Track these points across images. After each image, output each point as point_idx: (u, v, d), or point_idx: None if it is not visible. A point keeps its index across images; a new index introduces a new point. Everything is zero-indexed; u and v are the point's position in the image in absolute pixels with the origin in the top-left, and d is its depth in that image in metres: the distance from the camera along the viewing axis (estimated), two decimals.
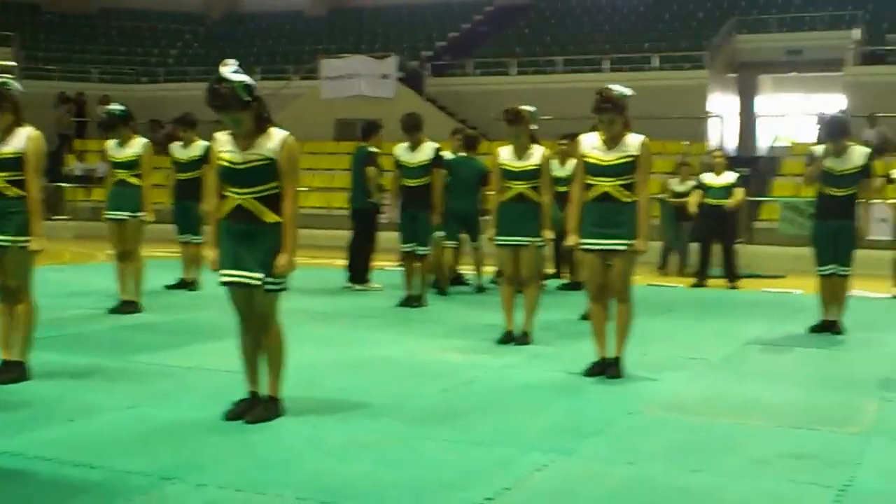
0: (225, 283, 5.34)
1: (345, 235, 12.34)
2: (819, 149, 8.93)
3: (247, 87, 5.10)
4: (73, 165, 25.06)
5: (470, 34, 29.37)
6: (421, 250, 10.31)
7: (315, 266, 14.26)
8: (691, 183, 15.40)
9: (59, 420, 5.32)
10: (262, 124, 5.21)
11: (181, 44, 32.52)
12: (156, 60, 31.42)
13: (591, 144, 6.72)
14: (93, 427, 5.23)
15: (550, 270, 12.67)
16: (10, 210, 6.10)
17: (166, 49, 32.06)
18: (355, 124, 23.23)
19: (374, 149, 11.59)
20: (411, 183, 10.27)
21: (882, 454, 5.03)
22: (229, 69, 5.07)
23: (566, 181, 10.81)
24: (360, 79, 24.61)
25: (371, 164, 11.46)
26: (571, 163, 10.98)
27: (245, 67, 5.25)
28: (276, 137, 5.23)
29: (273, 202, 5.25)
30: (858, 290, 11.57)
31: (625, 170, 6.60)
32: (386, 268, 13.10)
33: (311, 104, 24.69)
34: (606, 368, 6.75)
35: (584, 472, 4.61)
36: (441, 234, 11.06)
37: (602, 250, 6.67)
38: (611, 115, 6.53)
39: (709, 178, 13.16)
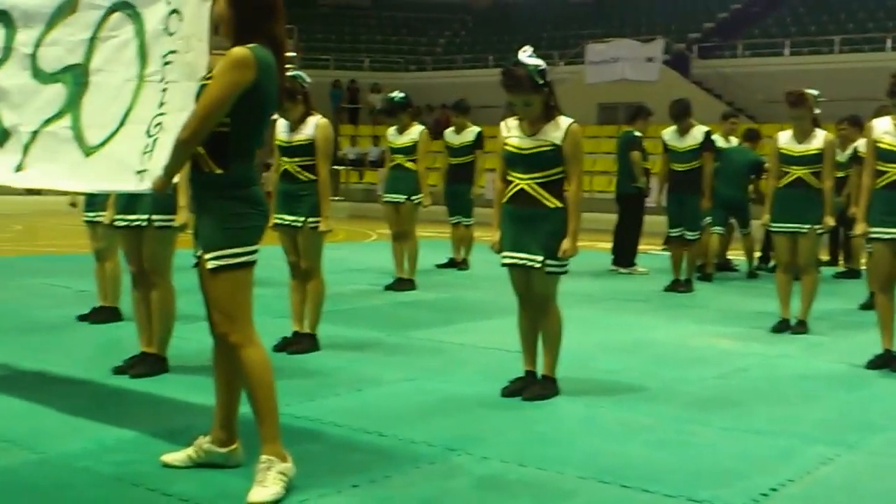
0: (506, 265, 5.48)
1: (606, 218, 12.33)
2: None
3: (541, 71, 5.21)
4: (347, 150, 26.37)
5: (740, 15, 28.50)
6: (689, 235, 10.16)
7: (579, 248, 14.32)
8: None
9: (347, 389, 5.60)
10: (550, 111, 5.29)
11: (449, 32, 33.36)
12: (424, 49, 32.37)
13: (883, 129, 6.38)
14: (377, 397, 5.47)
15: (825, 258, 12.17)
16: (302, 193, 6.50)
17: (434, 38, 32.97)
18: (617, 108, 23.15)
19: (638, 133, 11.52)
20: (680, 167, 10.14)
21: None
22: (526, 54, 5.21)
23: (845, 166, 10.40)
24: (624, 62, 24.47)
25: (636, 148, 11.40)
26: (851, 147, 10.55)
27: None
28: (562, 125, 5.30)
29: (555, 187, 5.33)
30: None
31: None
32: (651, 251, 12.98)
33: (574, 89, 24.73)
34: (892, 361, 6.42)
35: (873, 468, 4.41)
36: (708, 219, 10.85)
37: (894, 239, 6.34)
38: None
39: None
